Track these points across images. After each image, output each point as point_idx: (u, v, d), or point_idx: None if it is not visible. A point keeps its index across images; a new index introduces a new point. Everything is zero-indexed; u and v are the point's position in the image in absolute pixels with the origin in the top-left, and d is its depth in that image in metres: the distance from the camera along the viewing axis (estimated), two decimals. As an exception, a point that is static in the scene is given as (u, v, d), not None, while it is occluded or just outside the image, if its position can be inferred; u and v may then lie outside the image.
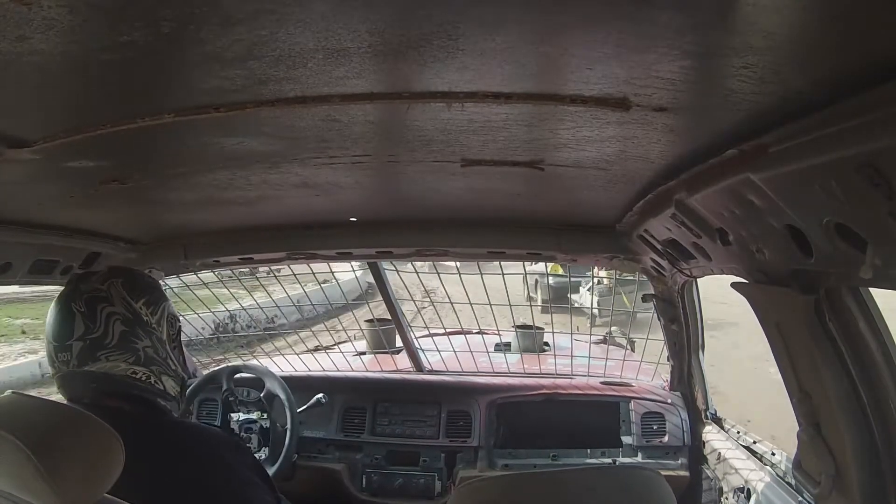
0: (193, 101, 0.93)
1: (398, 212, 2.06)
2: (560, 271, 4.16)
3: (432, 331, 3.37)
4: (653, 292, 2.34)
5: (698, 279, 1.94)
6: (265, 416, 2.51)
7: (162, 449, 1.29)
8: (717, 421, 2.39)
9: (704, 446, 2.39)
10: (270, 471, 2.34)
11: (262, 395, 2.51)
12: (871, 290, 1.07)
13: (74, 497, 0.97)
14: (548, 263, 2.54)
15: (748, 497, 1.89)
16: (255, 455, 2.29)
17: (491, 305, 2.79)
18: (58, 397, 1.38)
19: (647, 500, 0.90)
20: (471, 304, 2.81)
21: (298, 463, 2.54)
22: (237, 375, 2.61)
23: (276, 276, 3.07)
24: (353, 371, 2.98)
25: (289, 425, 2.47)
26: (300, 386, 2.60)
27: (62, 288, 1.41)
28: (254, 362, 2.89)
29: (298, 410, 2.51)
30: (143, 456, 1.20)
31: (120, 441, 1.04)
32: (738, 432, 2.20)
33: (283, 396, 2.50)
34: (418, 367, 2.94)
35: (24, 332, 10.18)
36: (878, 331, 1.08)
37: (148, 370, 1.38)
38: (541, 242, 2.16)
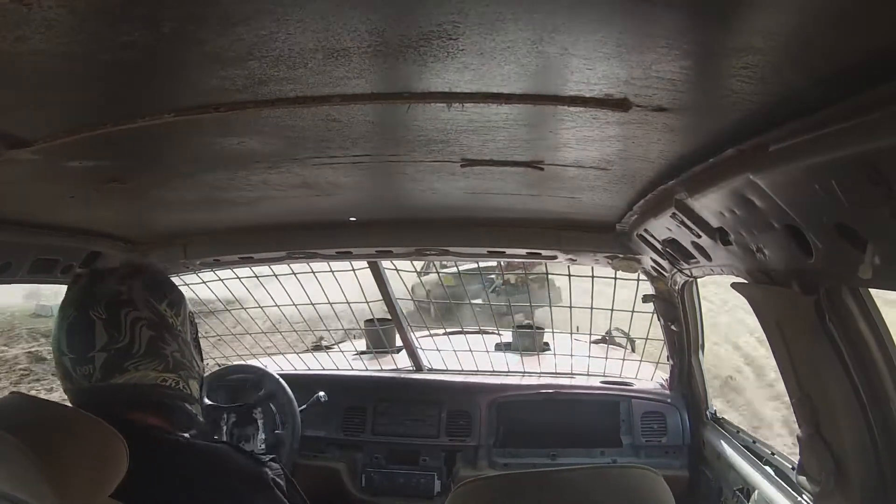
0: (193, 101, 0.93)
1: (398, 211, 2.06)
2: (452, 282, 4.39)
3: (432, 331, 3.37)
4: (653, 292, 2.34)
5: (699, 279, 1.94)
6: (261, 413, 2.50)
7: (178, 473, 1.20)
8: (717, 421, 2.39)
9: (704, 446, 2.39)
10: None
11: (260, 393, 2.50)
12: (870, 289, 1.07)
13: (76, 500, 0.96)
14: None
15: (748, 497, 1.89)
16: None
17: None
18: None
19: (646, 500, 0.90)
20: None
21: (298, 462, 2.54)
22: (235, 376, 2.60)
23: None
24: (353, 370, 2.98)
25: (293, 426, 2.47)
26: (300, 385, 2.60)
27: (70, 290, 1.30)
28: (253, 362, 2.89)
29: (300, 409, 2.51)
30: (157, 477, 1.15)
31: (124, 444, 1.02)
32: (738, 432, 2.20)
33: (285, 398, 2.50)
34: (418, 366, 2.94)
35: None
36: (878, 331, 1.08)
37: (177, 375, 1.29)
38: (541, 242, 2.17)
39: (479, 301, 3.85)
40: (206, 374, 1.75)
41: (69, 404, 1.24)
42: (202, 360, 1.43)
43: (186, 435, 1.32)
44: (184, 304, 1.36)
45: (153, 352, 1.26)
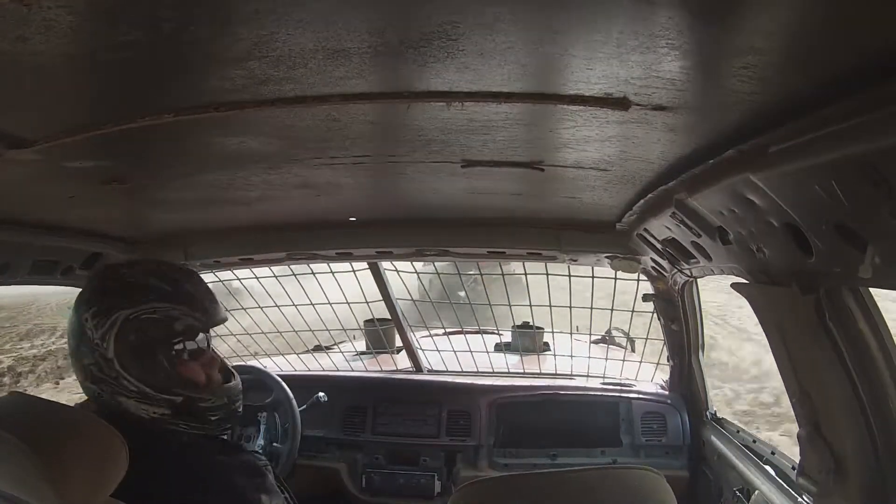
0: (193, 101, 0.93)
1: (398, 212, 2.07)
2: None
3: (432, 331, 3.37)
4: (653, 292, 2.34)
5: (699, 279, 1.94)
6: (265, 418, 2.50)
7: (174, 466, 1.21)
8: (717, 421, 2.39)
9: (704, 446, 2.39)
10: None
11: (268, 399, 2.50)
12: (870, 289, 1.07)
13: (77, 499, 0.96)
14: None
15: (748, 497, 1.89)
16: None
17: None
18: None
19: (647, 499, 0.90)
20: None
21: (298, 462, 2.54)
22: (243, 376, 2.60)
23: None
24: (353, 371, 2.98)
25: (292, 439, 2.47)
26: (300, 385, 2.60)
27: None
28: (253, 363, 2.89)
29: (299, 409, 2.51)
30: (151, 468, 1.15)
31: (124, 443, 1.03)
32: (738, 432, 2.20)
33: (285, 398, 2.50)
34: (418, 366, 2.94)
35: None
36: (879, 331, 1.08)
37: (98, 388, 1.23)
38: (541, 242, 2.17)
39: (462, 296, 3.81)
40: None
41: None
42: (174, 374, 1.27)
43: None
44: (116, 316, 1.22)
45: (75, 359, 1.27)
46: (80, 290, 1.30)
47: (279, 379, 2.56)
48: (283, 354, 3.07)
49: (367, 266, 2.66)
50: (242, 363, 2.86)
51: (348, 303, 2.91)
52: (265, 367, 2.72)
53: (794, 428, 1.26)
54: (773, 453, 1.90)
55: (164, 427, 1.27)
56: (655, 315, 2.47)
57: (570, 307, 2.78)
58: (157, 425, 1.26)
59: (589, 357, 2.80)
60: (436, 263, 2.61)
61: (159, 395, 1.24)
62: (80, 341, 1.24)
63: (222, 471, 1.25)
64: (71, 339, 1.26)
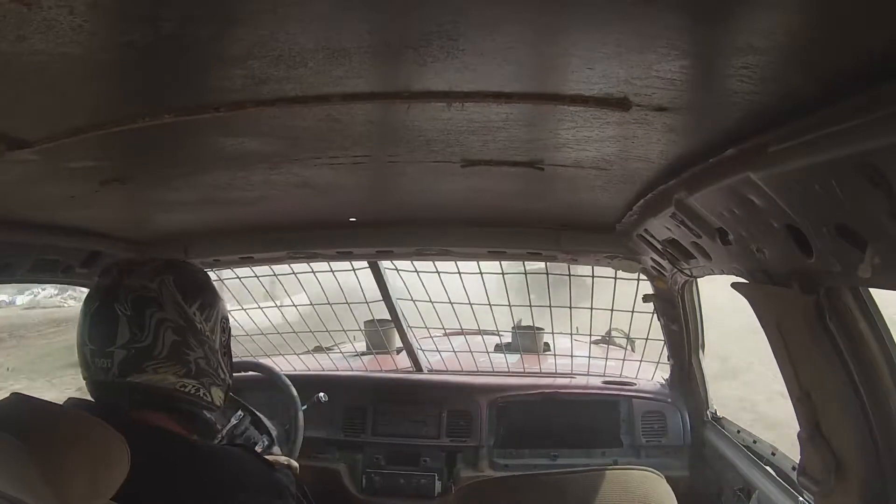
0: (193, 101, 0.93)
1: (398, 212, 2.07)
2: None
3: (432, 331, 3.37)
4: (653, 292, 2.34)
5: (698, 279, 1.94)
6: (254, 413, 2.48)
7: (195, 479, 1.17)
8: (717, 421, 2.39)
9: (704, 446, 2.40)
10: None
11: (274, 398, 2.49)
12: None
13: (76, 501, 0.96)
14: None
15: (748, 497, 1.89)
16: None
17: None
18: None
19: (649, 501, 0.90)
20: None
21: (298, 462, 2.54)
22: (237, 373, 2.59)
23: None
24: (353, 371, 2.98)
25: (297, 426, 2.46)
26: (300, 385, 2.59)
27: (100, 279, 1.26)
28: (263, 360, 2.88)
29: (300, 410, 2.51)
30: (170, 480, 1.13)
31: (125, 446, 1.01)
32: (738, 432, 2.20)
33: (290, 397, 2.49)
34: (418, 367, 2.94)
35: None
36: (879, 331, 1.08)
37: (198, 382, 1.25)
38: (541, 242, 2.17)
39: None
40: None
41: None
42: (231, 366, 1.37)
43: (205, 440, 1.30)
44: (217, 308, 1.31)
45: (175, 356, 1.22)
46: (153, 287, 1.22)
47: (286, 378, 2.56)
48: (283, 355, 3.06)
49: (371, 266, 2.66)
50: (252, 359, 2.85)
51: (348, 303, 2.91)
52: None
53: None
54: (773, 454, 1.90)
55: (187, 438, 1.27)
56: (655, 315, 2.47)
57: (570, 307, 2.78)
58: (216, 418, 1.33)
59: (589, 357, 2.80)
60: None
61: (229, 381, 1.34)
62: (189, 334, 1.24)
63: (242, 484, 1.22)
64: (172, 334, 1.21)
